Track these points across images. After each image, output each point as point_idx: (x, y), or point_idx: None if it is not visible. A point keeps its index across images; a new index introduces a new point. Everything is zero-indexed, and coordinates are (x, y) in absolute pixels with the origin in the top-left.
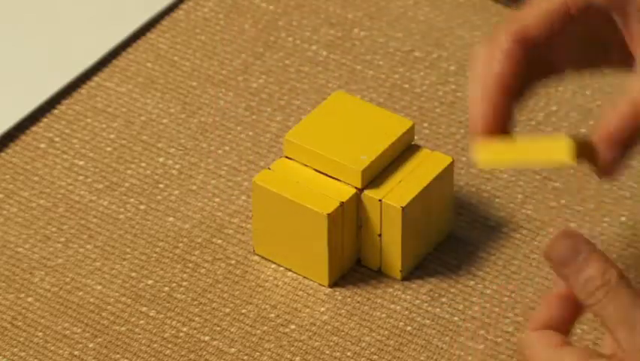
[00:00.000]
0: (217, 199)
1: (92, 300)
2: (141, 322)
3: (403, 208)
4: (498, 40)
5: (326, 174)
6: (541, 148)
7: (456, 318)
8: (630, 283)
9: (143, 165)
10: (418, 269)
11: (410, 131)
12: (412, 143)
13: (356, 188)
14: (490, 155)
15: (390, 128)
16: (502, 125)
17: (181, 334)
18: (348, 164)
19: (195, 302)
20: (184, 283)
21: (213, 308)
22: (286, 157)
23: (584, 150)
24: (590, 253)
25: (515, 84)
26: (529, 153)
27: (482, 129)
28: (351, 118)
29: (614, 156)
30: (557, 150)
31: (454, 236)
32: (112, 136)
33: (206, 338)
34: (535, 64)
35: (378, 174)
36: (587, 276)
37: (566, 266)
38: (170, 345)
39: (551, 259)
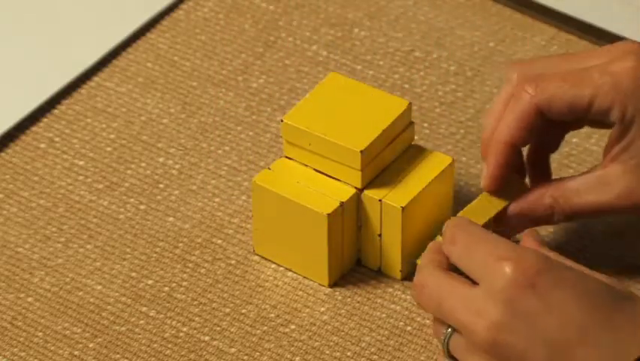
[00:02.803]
0: (217, 199)
1: (92, 300)
2: (141, 322)
3: (403, 208)
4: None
5: (325, 174)
6: None
7: None
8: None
9: (143, 165)
10: None
11: (407, 112)
12: (412, 143)
13: (356, 188)
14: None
15: (388, 108)
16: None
17: (181, 334)
18: (347, 145)
19: (195, 302)
20: (184, 283)
21: (213, 308)
22: (286, 157)
23: None
24: None
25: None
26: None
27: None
28: (347, 99)
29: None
30: None
31: None
32: (112, 136)
33: (206, 338)
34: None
35: (378, 173)
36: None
37: None
38: (170, 345)
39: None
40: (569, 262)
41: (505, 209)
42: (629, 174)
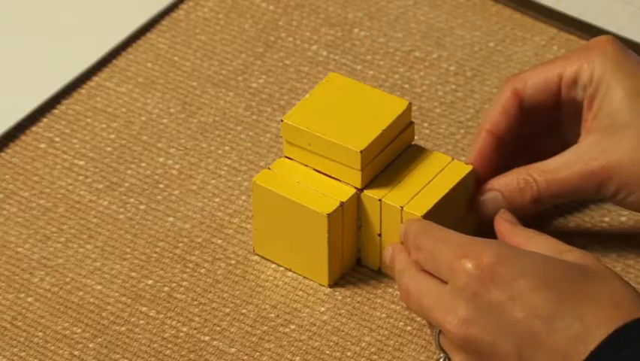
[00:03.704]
0: (217, 199)
1: (92, 300)
2: (141, 322)
3: (403, 208)
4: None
5: (325, 174)
6: None
7: None
8: None
9: (143, 165)
10: None
11: (407, 112)
12: (412, 143)
13: (356, 188)
14: None
15: (388, 108)
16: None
17: (181, 334)
18: (347, 145)
19: (195, 302)
20: (184, 283)
21: (213, 308)
22: (286, 157)
23: None
24: None
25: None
26: None
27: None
28: (347, 99)
29: None
30: None
31: None
32: (112, 136)
33: (206, 338)
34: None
35: (378, 173)
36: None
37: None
38: (170, 345)
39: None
40: (547, 241)
41: (451, 195)
42: (600, 137)
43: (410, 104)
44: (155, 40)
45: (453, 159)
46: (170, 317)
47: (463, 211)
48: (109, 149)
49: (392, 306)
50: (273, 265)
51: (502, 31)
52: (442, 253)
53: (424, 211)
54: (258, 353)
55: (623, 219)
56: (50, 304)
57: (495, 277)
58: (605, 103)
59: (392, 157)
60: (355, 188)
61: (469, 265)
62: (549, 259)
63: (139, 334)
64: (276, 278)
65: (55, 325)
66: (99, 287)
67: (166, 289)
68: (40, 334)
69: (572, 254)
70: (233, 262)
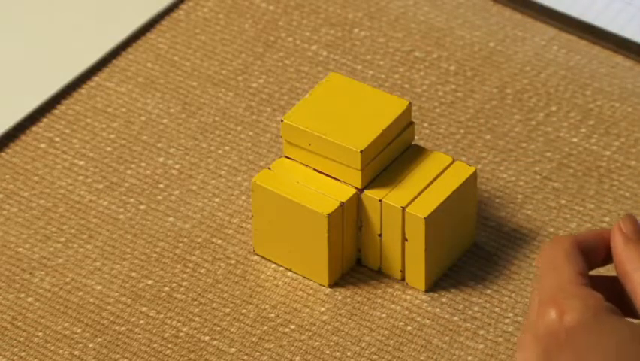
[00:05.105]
0: (217, 199)
1: (92, 300)
2: (141, 322)
3: (405, 209)
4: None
5: (325, 174)
6: None
7: (456, 318)
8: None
9: (143, 165)
10: None
11: (407, 112)
12: (412, 143)
13: (356, 188)
14: None
15: (388, 108)
16: None
17: (181, 334)
18: (347, 145)
19: (195, 302)
20: (184, 283)
21: (213, 308)
22: (286, 157)
23: None
24: None
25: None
26: None
27: None
28: (347, 99)
29: None
30: None
31: None
32: (112, 136)
33: (206, 338)
34: None
35: (378, 173)
36: None
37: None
38: (170, 345)
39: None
40: None
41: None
42: None
43: (410, 104)
44: (155, 40)
45: (454, 159)
46: (170, 317)
47: (466, 214)
48: (109, 149)
49: (392, 306)
50: (273, 265)
51: (502, 31)
52: (544, 285)
53: (427, 213)
54: (258, 353)
55: None
56: (50, 304)
57: (570, 341)
58: None
59: (392, 157)
60: (355, 188)
61: (552, 316)
62: (631, 342)
63: (139, 334)
64: (276, 278)
65: (55, 325)
66: (99, 287)
67: (166, 289)
68: (40, 334)
69: None
70: (233, 262)
